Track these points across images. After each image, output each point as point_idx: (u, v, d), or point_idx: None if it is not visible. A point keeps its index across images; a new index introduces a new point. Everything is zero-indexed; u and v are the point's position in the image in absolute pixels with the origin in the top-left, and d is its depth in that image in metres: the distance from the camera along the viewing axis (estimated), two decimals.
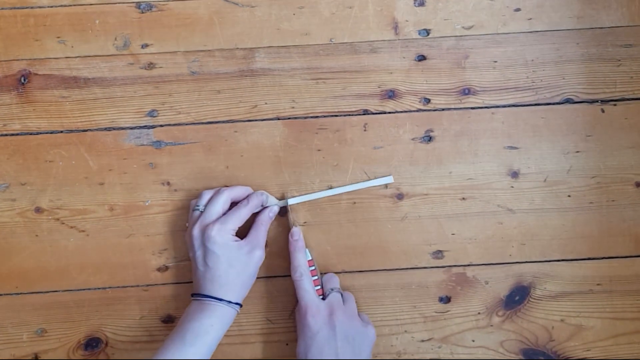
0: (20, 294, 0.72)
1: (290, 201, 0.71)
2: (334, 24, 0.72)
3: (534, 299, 0.72)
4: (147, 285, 0.72)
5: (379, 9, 0.72)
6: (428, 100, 0.72)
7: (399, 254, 0.72)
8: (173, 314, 0.72)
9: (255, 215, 0.70)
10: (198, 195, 0.69)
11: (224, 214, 0.68)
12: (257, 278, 0.72)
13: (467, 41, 0.72)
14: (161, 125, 0.72)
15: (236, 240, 0.67)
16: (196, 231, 0.67)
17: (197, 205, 0.68)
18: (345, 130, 0.72)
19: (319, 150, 0.72)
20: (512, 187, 0.73)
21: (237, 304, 0.66)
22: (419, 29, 0.72)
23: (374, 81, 0.72)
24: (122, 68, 0.72)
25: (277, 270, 0.72)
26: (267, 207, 0.70)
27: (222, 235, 0.66)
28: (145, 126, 0.72)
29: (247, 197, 0.69)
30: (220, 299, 0.65)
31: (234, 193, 0.69)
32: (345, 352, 0.65)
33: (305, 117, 0.72)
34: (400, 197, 0.72)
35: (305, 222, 0.72)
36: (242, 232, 0.68)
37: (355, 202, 0.72)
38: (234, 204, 0.69)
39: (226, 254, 0.66)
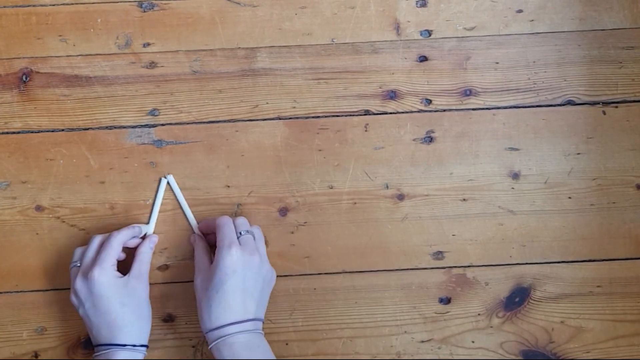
0: (21, 292, 0.72)
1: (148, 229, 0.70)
2: (336, 24, 0.72)
3: (534, 300, 0.72)
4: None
5: (381, 10, 0.72)
6: (429, 101, 0.72)
7: (399, 254, 0.72)
8: (173, 312, 0.72)
9: (136, 249, 0.68)
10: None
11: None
12: None
13: (468, 42, 0.72)
14: (162, 124, 0.72)
15: (120, 277, 0.65)
16: (78, 284, 0.64)
17: (73, 262, 0.67)
18: (346, 130, 0.72)
19: (320, 150, 0.72)
20: (513, 188, 0.73)
21: (142, 345, 0.64)
22: (420, 29, 0.72)
23: (376, 82, 0.72)
24: (124, 67, 0.72)
25: (277, 270, 0.72)
26: (146, 237, 0.69)
27: (105, 274, 0.63)
28: (147, 125, 0.72)
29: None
30: (124, 345, 0.62)
31: (104, 236, 0.67)
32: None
33: (307, 117, 0.72)
34: (400, 197, 0.72)
35: (305, 222, 0.72)
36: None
37: (355, 203, 0.72)
38: None
39: (115, 294, 0.63)
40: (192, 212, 0.72)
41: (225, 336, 0.63)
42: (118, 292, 0.64)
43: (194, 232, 0.71)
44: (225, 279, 0.63)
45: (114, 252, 0.65)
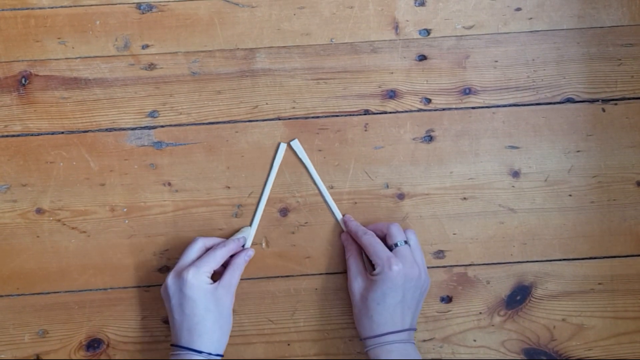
0: (22, 295, 0.72)
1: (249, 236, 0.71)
2: (335, 24, 0.72)
3: (536, 298, 0.72)
4: (149, 286, 0.72)
5: (380, 9, 0.72)
6: (429, 100, 0.72)
7: None
8: None
9: (231, 257, 0.69)
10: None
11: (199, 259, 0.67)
12: (258, 278, 0.72)
13: (467, 41, 0.72)
14: (162, 126, 0.72)
15: (211, 283, 0.66)
16: (170, 279, 0.65)
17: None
18: (346, 130, 0.72)
19: (319, 150, 0.72)
20: (513, 186, 0.73)
21: (217, 355, 0.65)
22: (419, 28, 0.72)
23: (375, 81, 0.72)
24: (123, 69, 0.72)
25: (278, 271, 0.72)
26: (243, 250, 0.70)
27: (198, 277, 0.64)
28: (146, 127, 0.72)
29: (224, 241, 0.69)
30: (200, 352, 0.63)
31: (209, 241, 0.68)
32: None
33: (306, 117, 0.72)
34: (401, 197, 0.72)
35: (306, 223, 0.72)
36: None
37: (356, 202, 0.72)
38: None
39: (202, 299, 0.64)
40: (193, 213, 0.72)
41: (383, 343, 0.64)
42: (205, 298, 0.64)
43: (344, 231, 0.72)
44: (387, 293, 0.64)
45: (214, 263, 0.66)
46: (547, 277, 0.73)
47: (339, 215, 0.72)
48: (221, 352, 0.66)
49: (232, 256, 0.69)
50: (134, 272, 0.72)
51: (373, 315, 0.65)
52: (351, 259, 0.69)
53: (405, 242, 0.67)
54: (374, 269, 0.66)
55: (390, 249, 0.67)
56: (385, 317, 0.65)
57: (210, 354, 0.64)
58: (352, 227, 0.70)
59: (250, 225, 0.72)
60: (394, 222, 0.69)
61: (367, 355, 0.65)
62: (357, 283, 0.67)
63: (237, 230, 0.72)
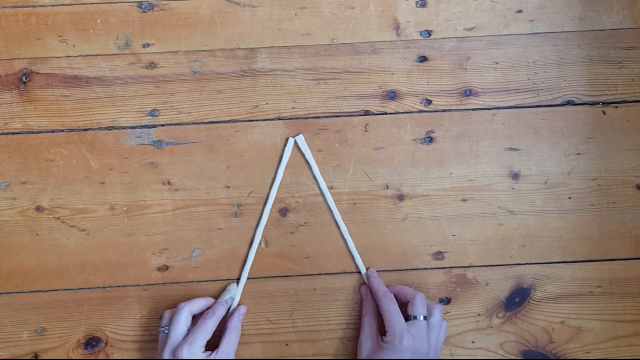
0: (21, 292, 0.72)
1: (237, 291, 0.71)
2: (336, 24, 0.72)
3: (534, 300, 0.72)
4: (147, 285, 0.72)
5: (381, 10, 0.72)
6: (429, 101, 0.72)
7: (399, 254, 0.72)
8: None
9: (224, 320, 0.69)
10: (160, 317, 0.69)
11: (189, 330, 0.66)
12: (257, 278, 0.72)
13: (468, 42, 0.72)
14: (162, 125, 0.72)
15: (208, 356, 0.65)
16: (166, 356, 0.64)
17: (161, 327, 0.67)
18: (346, 130, 0.72)
19: (319, 150, 0.72)
20: (513, 188, 0.73)
21: None
22: (420, 30, 0.72)
23: (375, 82, 0.72)
24: (124, 67, 0.72)
25: (277, 271, 0.72)
26: (235, 309, 0.70)
27: (193, 354, 0.63)
28: (146, 125, 0.72)
29: (212, 307, 0.68)
30: None
31: (194, 307, 0.68)
32: None
33: (307, 118, 0.72)
34: (400, 198, 0.72)
35: (305, 223, 0.72)
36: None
37: (355, 203, 0.72)
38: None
39: None
40: (193, 212, 0.72)
41: None
42: None
43: (364, 284, 0.71)
44: None
45: (206, 334, 0.65)
46: (546, 280, 0.72)
47: (363, 269, 0.72)
48: None
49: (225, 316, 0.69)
50: (133, 271, 0.72)
51: None
52: (366, 317, 0.69)
53: (425, 317, 0.67)
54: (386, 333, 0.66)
55: (408, 318, 0.67)
56: None
57: None
58: (374, 286, 0.70)
59: (237, 283, 0.71)
60: (420, 293, 0.68)
61: None
62: (366, 344, 0.68)
63: (224, 289, 0.71)
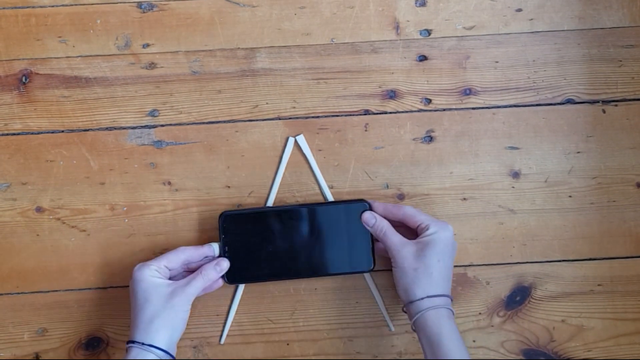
0: (21, 293, 0.72)
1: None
2: (335, 24, 0.72)
3: (535, 299, 0.72)
4: None
5: (380, 9, 0.72)
6: (429, 101, 0.72)
7: None
8: None
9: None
10: None
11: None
12: None
13: (468, 41, 0.72)
14: (162, 125, 0.72)
15: (159, 279, 0.64)
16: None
17: None
18: (346, 130, 0.72)
19: (320, 150, 0.72)
20: (513, 187, 0.73)
21: (151, 345, 0.61)
22: (420, 29, 0.72)
23: (375, 81, 0.72)
24: (124, 68, 0.72)
25: None
26: (215, 260, 0.67)
27: (143, 272, 0.63)
28: (147, 126, 0.72)
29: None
30: (133, 342, 0.62)
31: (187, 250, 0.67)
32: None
33: (307, 117, 0.72)
34: (401, 197, 0.72)
35: None
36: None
37: None
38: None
39: (142, 292, 0.63)
40: (193, 212, 0.72)
41: (439, 306, 0.63)
42: (146, 291, 0.63)
43: (368, 210, 0.69)
44: (445, 251, 0.65)
45: (166, 260, 0.65)
46: (547, 278, 0.72)
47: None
48: (156, 344, 0.62)
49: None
50: None
51: (433, 273, 0.64)
52: (388, 233, 0.67)
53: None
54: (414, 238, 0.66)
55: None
56: (444, 277, 0.64)
57: (143, 344, 0.61)
58: (383, 205, 0.68)
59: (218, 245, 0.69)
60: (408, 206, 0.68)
61: (423, 317, 0.63)
62: (408, 248, 0.65)
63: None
